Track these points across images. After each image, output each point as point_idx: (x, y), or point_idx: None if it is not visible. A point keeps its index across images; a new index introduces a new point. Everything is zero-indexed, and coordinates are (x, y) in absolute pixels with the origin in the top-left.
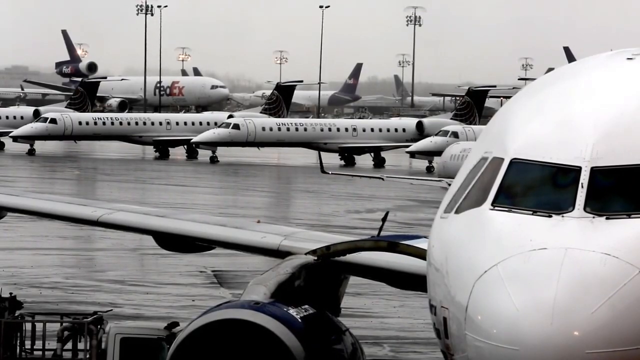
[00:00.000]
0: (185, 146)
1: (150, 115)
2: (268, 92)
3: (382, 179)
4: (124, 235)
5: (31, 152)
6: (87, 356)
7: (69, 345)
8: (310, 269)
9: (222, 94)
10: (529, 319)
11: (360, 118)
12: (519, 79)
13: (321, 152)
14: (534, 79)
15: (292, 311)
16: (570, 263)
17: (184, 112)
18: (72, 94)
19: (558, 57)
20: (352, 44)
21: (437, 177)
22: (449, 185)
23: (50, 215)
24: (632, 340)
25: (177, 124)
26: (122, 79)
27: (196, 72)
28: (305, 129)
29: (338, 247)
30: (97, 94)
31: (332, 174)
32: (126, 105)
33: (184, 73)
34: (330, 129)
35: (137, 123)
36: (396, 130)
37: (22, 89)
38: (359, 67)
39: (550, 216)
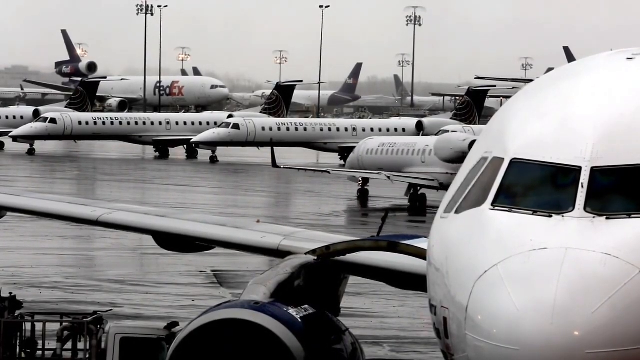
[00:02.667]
0: (185, 146)
1: (150, 115)
2: (268, 92)
3: (329, 172)
4: (124, 235)
5: (31, 152)
6: (87, 356)
7: (68, 345)
8: (310, 268)
9: (222, 94)
10: (529, 319)
11: (360, 118)
12: (475, 78)
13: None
14: (497, 78)
15: (292, 311)
16: (570, 263)
17: (184, 112)
18: (71, 93)
19: (558, 57)
20: (352, 44)
21: (348, 168)
22: (389, 178)
23: (50, 215)
24: (632, 340)
25: (177, 123)
26: (122, 79)
27: (196, 72)
28: (305, 129)
29: (338, 247)
30: (97, 94)
31: (283, 167)
32: (126, 105)
33: (183, 73)
34: (330, 129)
35: (137, 123)
36: (396, 130)
37: (22, 89)
38: (358, 67)
39: (551, 216)
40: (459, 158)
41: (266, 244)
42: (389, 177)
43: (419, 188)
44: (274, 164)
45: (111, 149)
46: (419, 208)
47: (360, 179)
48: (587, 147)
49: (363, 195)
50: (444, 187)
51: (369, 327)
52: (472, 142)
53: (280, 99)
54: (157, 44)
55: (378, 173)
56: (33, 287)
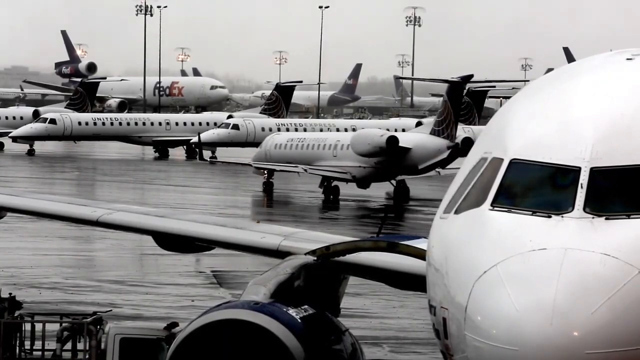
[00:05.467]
0: (185, 146)
1: (149, 115)
2: (267, 93)
3: (251, 165)
4: (124, 235)
5: (31, 152)
6: (87, 356)
7: (68, 346)
8: (309, 269)
9: (222, 94)
10: (529, 320)
11: (359, 118)
12: (396, 78)
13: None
14: (420, 78)
15: (292, 311)
16: (569, 263)
17: (184, 113)
18: (71, 94)
19: (558, 57)
20: (351, 44)
21: (255, 161)
22: (305, 171)
23: (50, 215)
24: (632, 341)
25: (177, 124)
26: (122, 80)
27: (196, 73)
28: (305, 129)
29: (337, 248)
30: (97, 94)
31: (209, 161)
32: (126, 105)
33: (183, 73)
34: (329, 129)
35: (136, 123)
36: (396, 130)
37: (22, 90)
38: (358, 67)
39: (550, 216)
40: (375, 152)
41: (266, 245)
42: (305, 170)
43: (332, 181)
44: (201, 157)
45: (111, 149)
46: (332, 200)
47: (266, 172)
48: (587, 147)
49: (268, 188)
50: (356, 179)
51: (369, 328)
52: (389, 138)
53: (280, 100)
54: (157, 44)
55: (295, 166)
56: (33, 288)
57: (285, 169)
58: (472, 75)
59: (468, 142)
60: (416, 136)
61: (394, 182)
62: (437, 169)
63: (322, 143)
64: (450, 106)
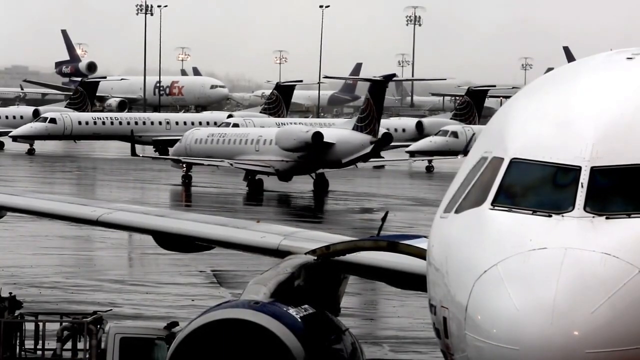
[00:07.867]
0: None
1: (149, 115)
2: (268, 92)
3: (180, 161)
4: (124, 235)
5: (31, 151)
6: (87, 356)
7: (68, 345)
8: (310, 268)
9: (222, 94)
10: (529, 319)
11: None
12: (325, 77)
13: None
14: (343, 77)
15: (292, 311)
16: (570, 263)
17: (184, 112)
18: (71, 93)
19: (558, 57)
20: (352, 44)
21: (172, 155)
22: (231, 165)
23: (50, 215)
24: (631, 340)
25: (177, 123)
26: (122, 79)
27: (196, 72)
28: None
29: (338, 247)
30: (97, 94)
31: (141, 157)
32: (126, 105)
33: (183, 73)
34: None
35: (136, 123)
36: (396, 130)
37: (22, 89)
38: (358, 67)
39: (550, 216)
40: (300, 147)
41: (266, 244)
42: (231, 165)
43: (256, 174)
44: (133, 153)
45: (111, 148)
46: (256, 193)
47: (184, 166)
48: (587, 146)
49: (187, 180)
50: (279, 173)
51: (369, 327)
52: (315, 133)
53: (280, 99)
54: (157, 44)
55: (221, 161)
56: (33, 287)
57: (212, 163)
58: (394, 74)
59: (388, 137)
60: (340, 132)
61: (313, 175)
62: (356, 163)
63: (244, 138)
64: (373, 103)
